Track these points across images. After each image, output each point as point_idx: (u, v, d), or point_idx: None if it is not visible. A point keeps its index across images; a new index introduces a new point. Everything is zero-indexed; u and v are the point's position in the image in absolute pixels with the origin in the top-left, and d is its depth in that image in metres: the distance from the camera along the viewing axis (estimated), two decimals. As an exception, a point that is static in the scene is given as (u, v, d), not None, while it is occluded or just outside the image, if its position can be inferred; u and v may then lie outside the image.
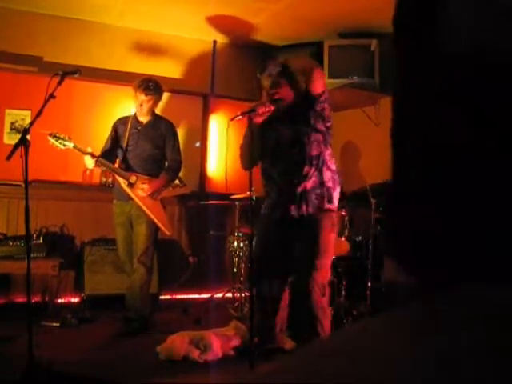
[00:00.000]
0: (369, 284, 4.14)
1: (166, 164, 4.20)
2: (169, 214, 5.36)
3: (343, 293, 4.20)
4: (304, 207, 2.85)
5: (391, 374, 0.31)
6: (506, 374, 0.28)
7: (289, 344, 3.54)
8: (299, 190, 2.84)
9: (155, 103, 4.10)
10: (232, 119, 2.82)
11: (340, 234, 4.29)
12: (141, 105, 4.02)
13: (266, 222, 2.94)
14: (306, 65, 2.97)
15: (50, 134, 3.80)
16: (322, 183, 2.87)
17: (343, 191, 5.04)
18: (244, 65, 5.81)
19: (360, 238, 4.54)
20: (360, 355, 0.35)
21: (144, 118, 4.12)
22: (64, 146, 3.82)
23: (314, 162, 2.85)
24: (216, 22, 5.21)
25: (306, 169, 2.84)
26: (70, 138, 3.87)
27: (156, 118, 4.19)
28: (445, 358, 0.31)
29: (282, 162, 2.89)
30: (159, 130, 4.14)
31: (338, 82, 5.20)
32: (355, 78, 5.18)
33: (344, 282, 4.22)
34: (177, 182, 4.32)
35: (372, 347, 0.36)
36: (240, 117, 2.80)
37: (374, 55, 5.15)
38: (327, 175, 2.90)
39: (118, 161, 4.14)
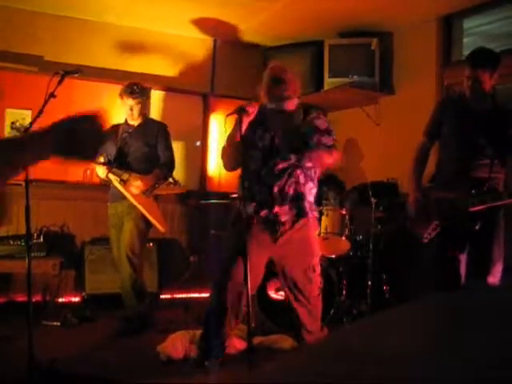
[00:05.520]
0: (369, 283, 4.14)
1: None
2: (169, 213, 5.37)
3: (343, 292, 4.19)
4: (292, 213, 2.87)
5: (399, 374, 0.31)
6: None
7: (289, 343, 3.54)
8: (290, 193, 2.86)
9: (144, 105, 4.16)
10: (228, 115, 2.81)
11: (340, 233, 4.29)
12: (131, 109, 4.07)
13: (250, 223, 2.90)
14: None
15: None
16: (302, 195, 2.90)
17: (344, 188, 5.05)
18: (244, 64, 5.80)
19: (360, 236, 4.54)
20: (364, 356, 0.35)
21: (135, 122, 4.16)
22: None
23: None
24: (216, 21, 5.20)
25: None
26: None
27: (148, 121, 4.26)
28: (459, 355, 0.31)
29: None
30: (151, 129, 4.17)
31: (338, 81, 5.20)
32: (355, 77, 5.18)
33: (344, 281, 4.21)
34: (170, 179, 4.33)
35: (376, 347, 0.36)
36: (235, 114, 2.80)
37: (375, 54, 5.15)
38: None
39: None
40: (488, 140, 2.96)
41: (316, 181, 3.01)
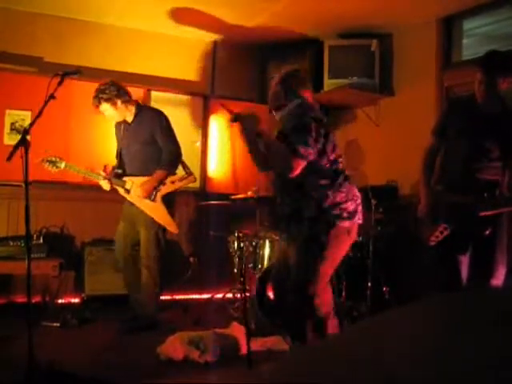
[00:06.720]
0: (369, 284, 4.14)
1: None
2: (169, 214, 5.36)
3: (343, 293, 4.19)
4: None
5: (399, 375, 0.31)
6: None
7: (287, 343, 3.53)
8: None
9: (120, 104, 3.93)
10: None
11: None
12: (112, 115, 3.98)
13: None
14: None
15: (43, 160, 3.85)
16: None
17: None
18: (244, 65, 5.80)
19: (360, 238, 4.53)
20: (364, 356, 0.35)
21: (129, 118, 4.02)
22: (57, 167, 3.90)
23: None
24: (216, 22, 5.21)
25: None
26: (60, 158, 3.92)
27: (139, 113, 4.02)
28: (459, 355, 0.31)
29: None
30: (145, 124, 3.98)
31: (338, 82, 5.21)
32: (355, 78, 5.18)
33: (344, 283, 4.21)
34: (181, 172, 4.13)
35: (376, 348, 0.36)
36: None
37: (375, 55, 5.16)
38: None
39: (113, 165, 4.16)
40: (496, 142, 2.94)
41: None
